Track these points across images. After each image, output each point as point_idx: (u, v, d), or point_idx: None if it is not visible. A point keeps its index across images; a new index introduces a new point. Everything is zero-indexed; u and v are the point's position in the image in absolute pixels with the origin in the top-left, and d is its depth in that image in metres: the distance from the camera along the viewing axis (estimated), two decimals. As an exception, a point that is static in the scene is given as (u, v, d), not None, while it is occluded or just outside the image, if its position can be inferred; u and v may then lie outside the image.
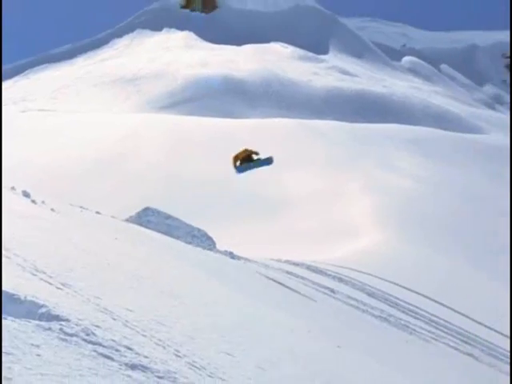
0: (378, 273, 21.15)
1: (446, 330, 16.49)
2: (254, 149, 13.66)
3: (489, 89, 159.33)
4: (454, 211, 38.09)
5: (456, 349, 15.22)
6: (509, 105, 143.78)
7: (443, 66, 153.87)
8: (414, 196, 39.42)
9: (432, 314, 17.50)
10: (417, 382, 10.21)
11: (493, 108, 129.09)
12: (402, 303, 17.81)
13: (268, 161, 13.22)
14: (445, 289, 21.80)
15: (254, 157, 13.29)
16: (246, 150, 13.35)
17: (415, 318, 16.86)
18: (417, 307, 17.80)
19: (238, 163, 13.40)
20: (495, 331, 17.87)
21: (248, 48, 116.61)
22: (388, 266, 23.03)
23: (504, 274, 27.77)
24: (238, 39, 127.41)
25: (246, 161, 13.40)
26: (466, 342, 15.98)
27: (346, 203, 36.49)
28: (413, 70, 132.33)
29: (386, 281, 20.18)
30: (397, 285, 19.94)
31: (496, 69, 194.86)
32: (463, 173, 50.72)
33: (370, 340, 13.23)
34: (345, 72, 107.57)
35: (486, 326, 18.09)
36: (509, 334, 17.92)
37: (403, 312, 17.05)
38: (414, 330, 15.56)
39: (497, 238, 34.43)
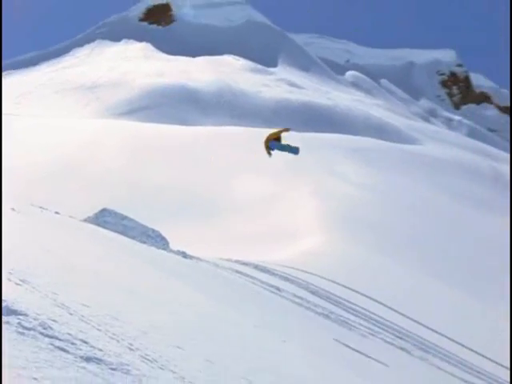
0: (322, 273, 21.26)
1: (382, 327, 16.65)
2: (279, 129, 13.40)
3: (424, 103, 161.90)
4: (397, 218, 38.51)
5: (391, 344, 15.39)
6: (443, 118, 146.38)
7: (383, 81, 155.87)
8: (359, 202, 39.75)
9: (370, 312, 17.66)
10: (354, 374, 10.29)
11: (427, 121, 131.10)
12: (342, 301, 17.94)
13: (295, 149, 12.99)
14: (382, 287, 22.01)
15: (283, 141, 13.05)
16: (275, 133, 13.11)
17: (355, 315, 16.99)
18: (356, 305, 17.94)
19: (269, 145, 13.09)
20: (426, 327, 18.13)
21: (202, 60, 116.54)
22: (331, 267, 23.16)
23: (445, 275, 28.22)
24: (192, 51, 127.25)
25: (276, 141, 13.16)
26: (400, 338, 16.16)
27: (294, 208, 36.63)
28: (355, 84, 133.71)
29: (329, 280, 20.30)
30: (339, 284, 20.08)
31: (431, 85, 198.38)
32: (406, 181, 51.39)
33: (312, 335, 13.30)
34: (293, 84, 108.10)
35: (419, 322, 18.32)
36: (439, 328, 18.19)
37: (344, 309, 17.16)
38: (354, 326, 15.68)
39: (440, 243, 34.91)
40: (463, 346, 17.78)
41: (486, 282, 30.15)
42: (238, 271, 18.61)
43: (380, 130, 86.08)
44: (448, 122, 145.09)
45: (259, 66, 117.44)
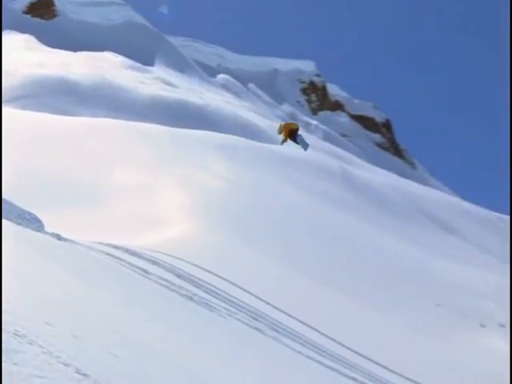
0: (187, 258, 21.33)
1: (239, 308, 16.93)
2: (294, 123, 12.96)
3: (286, 107, 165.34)
4: (261, 212, 39.13)
5: (247, 324, 15.70)
6: (302, 122, 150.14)
7: (251, 85, 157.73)
8: (225, 195, 40.06)
9: (229, 294, 17.91)
10: (214, 351, 10.45)
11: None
12: (205, 284, 18.08)
13: (307, 146, 12.63)
14: (242, 273, 22.38)
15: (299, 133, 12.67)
16: (294, 124, 12.66)
17: (215, 297, 17.17)
18: (217, 288, 18.14)
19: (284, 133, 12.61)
20: (278, 309, 18.61)
21: (82, 55, 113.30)
22: (196, 253, 23.28)
23: (302, 266, 29.03)
24: (73, 46, 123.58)
25: (293, 134, 12.72)
26: (254, 319, 16.50)
27: (164, 198, 36.45)
28: (225, 86, 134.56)
29: (193, 265, 20.40)
30: (202, 268, 20.21)
31: (293, 91, 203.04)
32: (270, 178, 52.32)
33: (176, 315, 13.36)
34: (168, 83, 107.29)
35: (271, 305, 18.78)
36: (290, 311, 18.73)
37: (205, 292, 17.31)
38: (214, 307, 15.85)
39: (300, 238, 35.79)
40: (311, 327, 18.42)
41: (341, 273, 31.32)
42: (109, 254, 18.32)
43: (247, 130, 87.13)
44: (306, 126, 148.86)
45: (137, 64, 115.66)
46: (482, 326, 32.12)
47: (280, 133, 12.89)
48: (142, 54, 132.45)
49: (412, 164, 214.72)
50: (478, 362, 25.48)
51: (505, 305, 36.56)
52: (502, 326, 33.01)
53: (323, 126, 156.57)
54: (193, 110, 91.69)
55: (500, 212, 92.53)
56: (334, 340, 18.05)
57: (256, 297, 18.86)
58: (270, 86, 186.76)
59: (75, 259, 15.12)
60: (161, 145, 52.91)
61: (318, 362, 15.16)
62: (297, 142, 13.06)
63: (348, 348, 17.89)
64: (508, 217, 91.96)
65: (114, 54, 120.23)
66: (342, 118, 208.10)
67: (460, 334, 29.36)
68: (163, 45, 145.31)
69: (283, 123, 13.38)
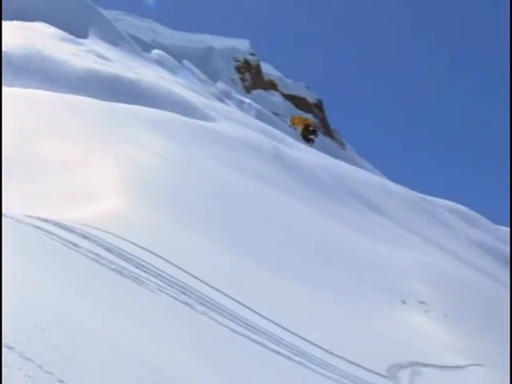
0: (117, 232, 21.11)
1: (169, 283, 16.99)
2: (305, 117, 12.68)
3: (220, 85, 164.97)
4: (191, 187, 38.96)
5: (176, 299, 15.78)
6: (235, 100, 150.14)
7: (185, 62, 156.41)
8: (157, 171, 39.58)
9: (159, 269, 17.89)
10: (143, 326, 10.51)
11: (222, 101, 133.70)
12: (135, 259, 18.00)
13: (310, 143, 12.43)
14: (173, 248, 22.38)
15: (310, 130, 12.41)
16: (307, 119, 12.42)
17: (145, 271, 17.15)
18: (147, 262, 18.09)
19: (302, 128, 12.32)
20: (208, 284, 18.76)
21: (12, 24, 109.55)
22: (126, 227, 23.06)
23: (232, 243, 29.20)
24: (3, 15, 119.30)
25: (308, 129, 12.43)
26: (183, 293, 16.59)
27: (95, 172, 35.79)
28: (160, 62, 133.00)
29: (123, 239, 20.25)
30: (132, 243, 20.08)
31: (227, 69, 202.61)
32: (204, 155, 52.13)
33: (105, 289, 13.33)
34: (101, 56, 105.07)
35: (201, 280, 18.90)
36: (219, 286, 18.90)
37: (135, 266, 17.25)
38: (144, 282, 15.87)
39: (235, 216, 35.92)
40: (240, 302, 18.65)
41: (269, 249, 31.68)
42: (38, 227, 17.99)
43: (180, 106, 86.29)
44: (240, 104, 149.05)
45: (70, 36, 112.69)
46: (403, 302, 33.22)
47: (291, 125, 12.84)
48: (74, 25, 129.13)
49: (342, 144, 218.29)
50: (396, 335, 26.43)
51: (427, 283, 37.92)
52: (421, 302, 34.23)
53: (256, 105, 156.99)
54: (126, 84, 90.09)
55: (422, 193, 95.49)
56: (261, 315, 18.35)
57: (186, 272, 18.93)
58: (204, 64, 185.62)
59: (3, 231, 14.84)
60: (93, 119, 51.92)
61: (244, 336, 15.43)
62: (308, 140, 13.09)
63: (274, 323, 18.22)
64: (431, 197, 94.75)
65: (46, 24, 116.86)
66: (275, 98, 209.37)
67: (381, 310, 30.28)
68: (97, 17, 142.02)
69: (296, 116, 13.31)
